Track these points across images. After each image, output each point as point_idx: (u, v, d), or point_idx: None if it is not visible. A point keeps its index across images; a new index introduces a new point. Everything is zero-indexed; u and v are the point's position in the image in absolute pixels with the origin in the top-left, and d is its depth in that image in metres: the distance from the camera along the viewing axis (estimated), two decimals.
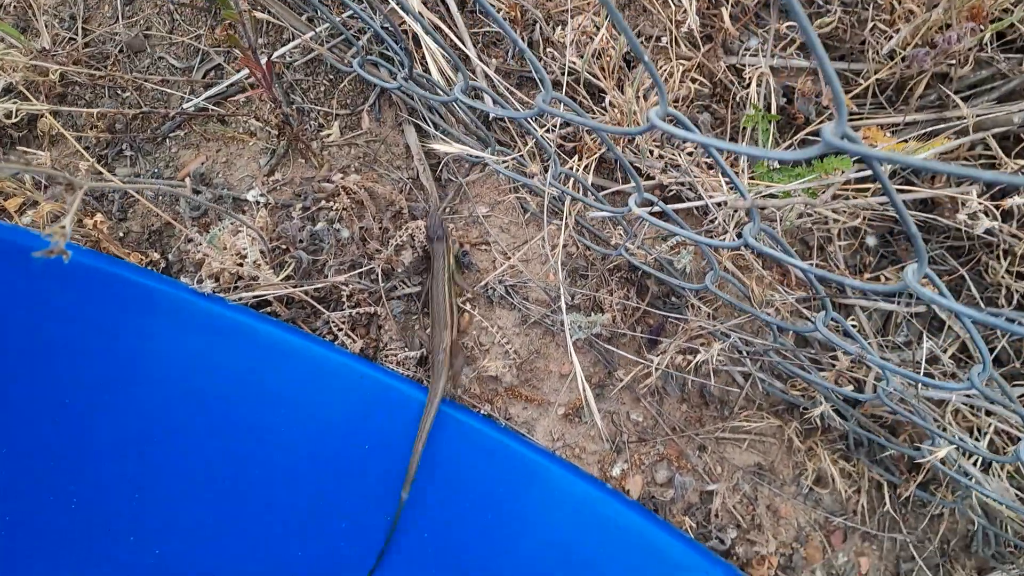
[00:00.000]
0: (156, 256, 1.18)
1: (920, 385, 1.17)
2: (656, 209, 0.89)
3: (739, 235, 1.19)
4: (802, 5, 1.14)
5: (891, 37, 1.13)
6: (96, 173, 1.18)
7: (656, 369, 1.17)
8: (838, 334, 1.05)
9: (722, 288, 1.19)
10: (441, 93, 1.11)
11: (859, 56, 1.13)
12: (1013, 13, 1.11)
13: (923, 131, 1.14)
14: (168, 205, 1.18)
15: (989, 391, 0.76)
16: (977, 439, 1.10)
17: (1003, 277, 1.16)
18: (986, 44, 1.15)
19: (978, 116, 1.13)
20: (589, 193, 1.08)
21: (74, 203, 1.20)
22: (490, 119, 1.19)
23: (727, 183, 1.20)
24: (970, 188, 1.16)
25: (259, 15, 1.15)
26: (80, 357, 1.11)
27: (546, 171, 1.19)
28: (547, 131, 1.21)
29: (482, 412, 1.18)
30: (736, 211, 1.15)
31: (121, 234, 1.17)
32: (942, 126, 1.14)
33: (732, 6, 1.11)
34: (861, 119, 1.16)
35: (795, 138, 1.17)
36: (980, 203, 1.13)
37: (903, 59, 1.13)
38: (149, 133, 1.16)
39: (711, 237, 1.19)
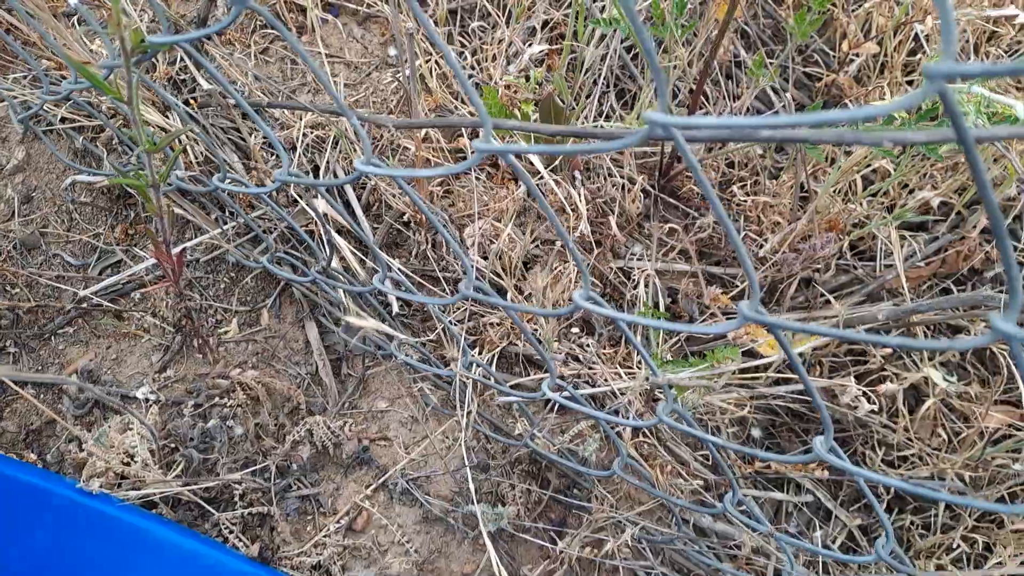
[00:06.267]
0: (33, 457, 1.12)
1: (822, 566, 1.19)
2: (566, 395, 0.92)
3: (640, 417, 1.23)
4: (679, 218, 1.26)
5: (761, 245, 1.24)
6: None
7: (564, 560, 1.15)
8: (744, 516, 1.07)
9: (627, 474, 1.21)
10: (360, 284, 1.15)
11: (732, 263, 1.24)
12: (864, 227, 1.26)
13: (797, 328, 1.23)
14: (50, 404, 1.13)
15: (893, 562, 0.78)
16: None
17: (880, 467, 1.22)
18: (844, 252, 1.28)
19: (847, 314, 1.24)
20: (495, 381, 1.10)
21: None
22: (393, 315, 1.22)
23: (627, 373, 1.25)
24: (846, 378, 1.25)
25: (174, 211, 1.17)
26: None
27: (455, 360, 1.22)
28: (450, 324, 1.24)
29: None
30: (638, 396, 1.20)
31: None
32: (813, 325, 1.24)
33: (617, 216, 1.21)
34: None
35: (682, 334, 1.24)
36: (859, 388, 1.22)
37: (774, 264, 1.24)
38: (36, 330, 1.13)
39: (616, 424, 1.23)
